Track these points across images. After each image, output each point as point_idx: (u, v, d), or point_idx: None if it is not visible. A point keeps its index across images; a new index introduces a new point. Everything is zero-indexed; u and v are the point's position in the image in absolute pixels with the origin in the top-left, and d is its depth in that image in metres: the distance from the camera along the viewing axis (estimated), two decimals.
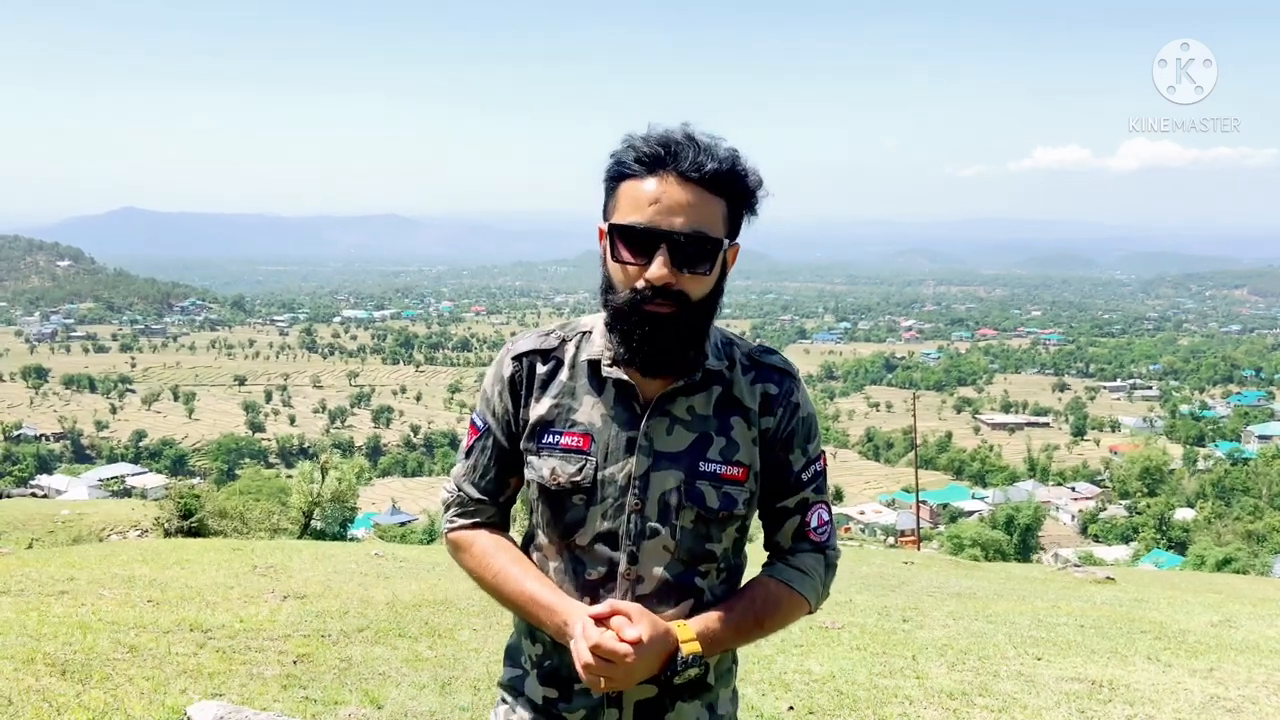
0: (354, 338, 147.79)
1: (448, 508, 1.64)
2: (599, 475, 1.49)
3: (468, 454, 1.62)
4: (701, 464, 1.49)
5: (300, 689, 4.49)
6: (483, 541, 1.58)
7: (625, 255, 1.41)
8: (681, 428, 1.51)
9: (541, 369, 1.55)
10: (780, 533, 1.60)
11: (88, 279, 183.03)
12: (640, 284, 1.40)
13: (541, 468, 1.52)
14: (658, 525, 1.48)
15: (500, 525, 1.63)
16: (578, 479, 1.49)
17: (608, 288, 1.47)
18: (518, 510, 1.82)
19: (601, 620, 1.39)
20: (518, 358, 1.57)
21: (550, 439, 1.52)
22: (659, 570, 1.48)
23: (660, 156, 1.40)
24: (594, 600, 1.48)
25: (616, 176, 1.45)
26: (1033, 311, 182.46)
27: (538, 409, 1.54)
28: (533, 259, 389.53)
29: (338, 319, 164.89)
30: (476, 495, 1.60)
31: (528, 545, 1.61)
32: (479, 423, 1.60)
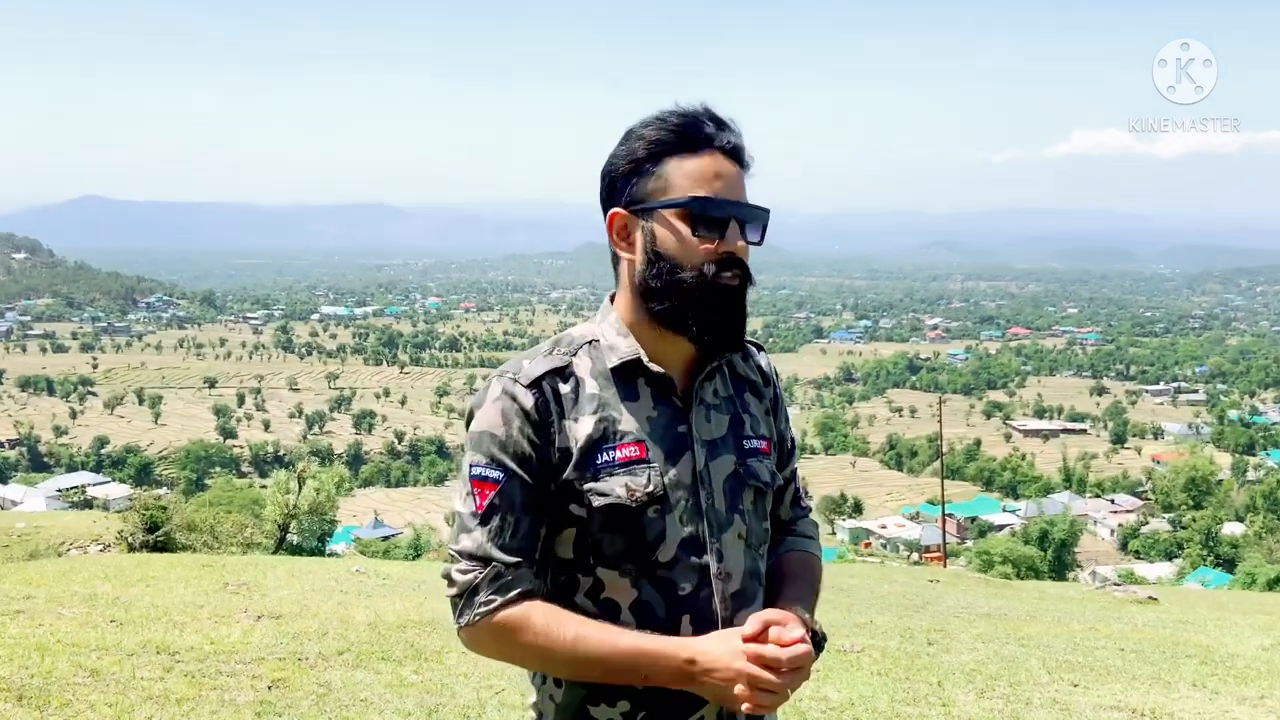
0: (333, 336, 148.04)
1: (474, 592, 1.46)
2: (665, 480, 1.49)
3: (484, 517, 1.47)
4: (745, 442, 1.60)
5: (275, 716, 4.50)
6: (539, 613, 1.45)
7: (703, 230, 1.48)
8: (716, 413, 1.59)
9: (565, 388, 1.51)
10: (781, 505, 1.74)
11: (45, 272, 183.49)
12: (710, 258, 1.48)
13: (613, 488, 1.46)
14: (730, 515, 1.54)
15: (542, 594, 1.50)
16: (650, 489, 1.48)
17: (672, 269, 1.49)
18: None
19: (756, 639, 1.40)
20: (535, 384, 1.49)
21: (605, 457, 1.48)
22: (740, 561, 1.54)
23: (709, 135, 1.50)
24: (696, 618, 1.47)
25: (657, 155, 1.50)
26: (1069, 309, 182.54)
27: (580, 430, 1.49)
28: (527, 252, 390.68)
29: (316, 316, 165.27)
30: (511, 560, 1.46)
31: (567, 601, 1.50)
32: (494, 475, 1.47)
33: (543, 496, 1.48)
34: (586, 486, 1.46)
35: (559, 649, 1.43)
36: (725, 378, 1.63)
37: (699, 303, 1.48)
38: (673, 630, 1.46)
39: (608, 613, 1.47)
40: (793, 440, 1.76)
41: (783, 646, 1.38)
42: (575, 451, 1.47)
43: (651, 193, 1.50)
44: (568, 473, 1.47)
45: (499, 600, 1.44)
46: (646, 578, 1.47)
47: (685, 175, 1.49)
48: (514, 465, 1.47)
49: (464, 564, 1.46)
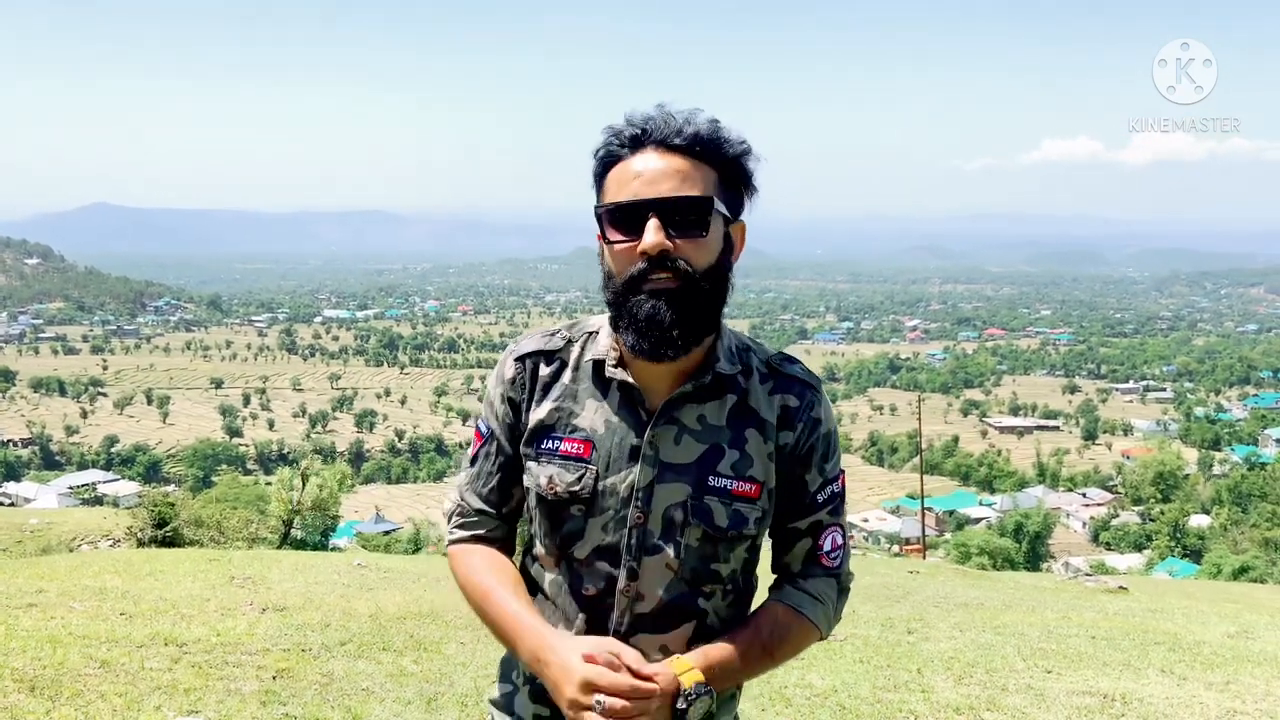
0: (336, 338, 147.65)
1: (450, 518, 1.59)
2: (599, 485, 1.44)
3: (473, 461, 1.57)
4: (711, 478, 1.45)
5: (280, 705, 4.48)
6: (477, 557, 1.54)
7: (616, 235, 1.39)
8: (690, 437, 1.46)
9: (545, 371, 1.52)
10: (790, 555, 1.56)
11: (57, 277, 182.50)
12: (627, 262, 1.38)
13: (539, 475, 1.48)
14: (660, 542, 1.44)
15: (502, 541, 1.58)
16: (576, 489, 1.45)
17: (608, 278, 1.44)
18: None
19: (591, 660, 1.33)
20: (520, 359, 1.53)
21: (549, 445, 1.48)
22: (660, 590, 1.45)
23: (638, 134, 1.41)
24: (591, 618, 1.46)
25: (603, 169, 1.45)
26: (1042, 310, 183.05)
27: (538, 413, 1.50)
28: (522, 256, 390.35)
29: (319, 319, 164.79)
30: (479, 505, 1.56)
31: (526, 553, 1.58)
32: (483, 428, 1.56)
33: (516, 460, 1.54)
34: (528, 465, 1.50)
35: (474, 594, 1.51)
36: (725, 407, 1.48)
37: (623, 308, 1.40)
38: (570, 622, 1.48)
39: (538, 579, 1.53)
40: (830, 494, 1.56)
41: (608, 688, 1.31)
42: (529, 430, 1.50)
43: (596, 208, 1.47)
44: (522, 447, 1.52)
45: (459, 535, 1.58)
46: (564, 564, 1.49)
47: (613, 182, 1.43)
48: (495, 426, 1.55)
49: (454, 494, 1.60)
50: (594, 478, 1.45)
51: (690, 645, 1.45)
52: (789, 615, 1.50)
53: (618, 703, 1.28)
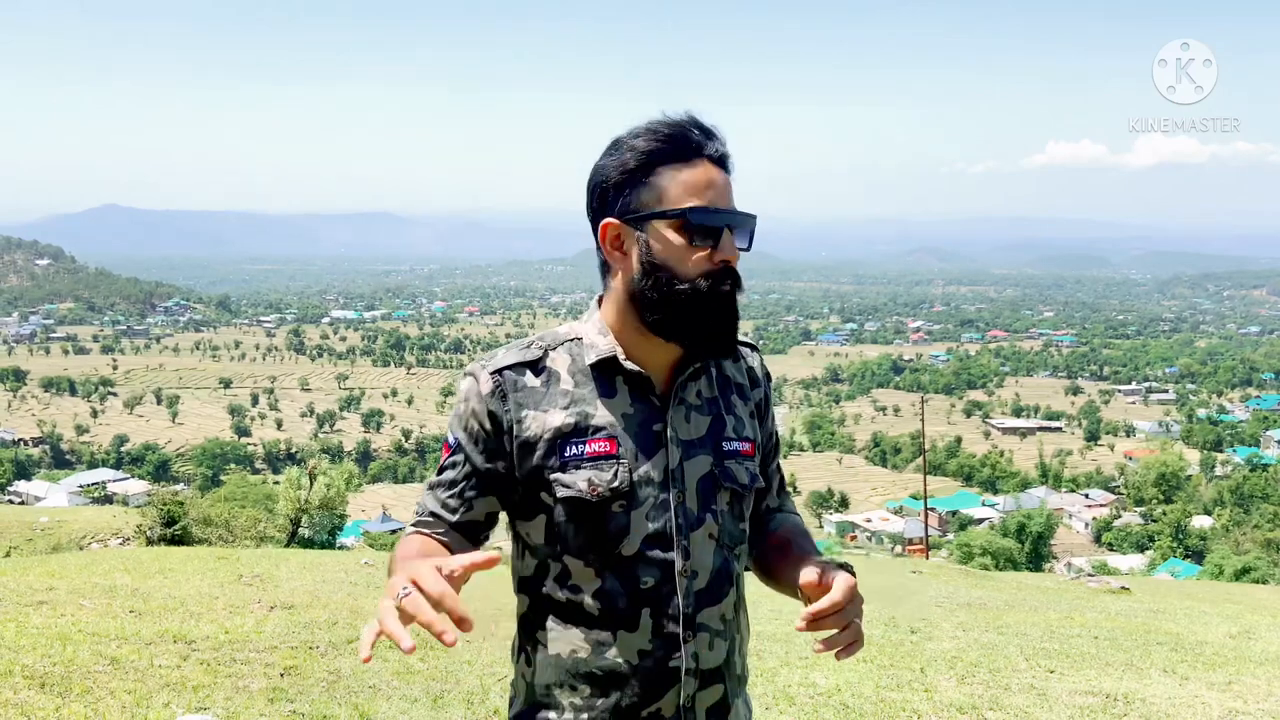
0: (343, 339, 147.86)
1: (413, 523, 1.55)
2: (634, 476, 1.47)
3: (440, 470, 1.55)
4: (724, 444, 1.55)
5: (288, 702, 4.49)
6: (416, 540, 1.48)
7: (698, 240, 1.45)
8: (697, 413, 1.54)
9: (533, 381, 1.50)
10: (769, 495, 1.74)
11: (68, 278, 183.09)
12: (706, 268, 1.45)
13: (576, 481, 1.46)
14: (701, 514, 1.50)
15: (445, 546, 1.49)
16: (616, 484, 1.46)
17: (670, 280, 1.45)
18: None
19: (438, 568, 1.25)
20: (498, 372, 1.50)
21: (575, 450, 1.47)
22: (709, 560, 1.49)
23: (699, 144, 1.46)
24: (656, 612, 1.45)
25: (649, 165, 1.46)
26: (1045, 312, 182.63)
27: (551, 421, 1.48)
28: (528, 257, 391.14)
29: (326, 320, 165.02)
30: (434, 509, 1.53)
31: (539, 586, 1.52)
32: (451, 440, 1.53)
33: (492, 476, 1.50)
34: (553, 477, 1.46)
35: (395, 556, 1.44)
36: (711, 380, 1.58)
37: (697, 314, 1.44)
38: (632, 622, 1.46)
39: (573, 598, 1.48)
40: (777, 437, 1.74)
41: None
42: (543, 442, 1.47)
43: (645, 203, 1.46)
44: (536, 460, 1.47)
45: (408, 531, 1.52)
46: (610, 569, 1.46)
47: (679, 185, 1.44)
48: (467, 440, 1.50)
49: (419, 504, 1.56)
50: (628, 470, 1.46)
51: (733, 608, 1.54)
52: (801, 525, 1.73)
53: (418, 600, 1.23)
